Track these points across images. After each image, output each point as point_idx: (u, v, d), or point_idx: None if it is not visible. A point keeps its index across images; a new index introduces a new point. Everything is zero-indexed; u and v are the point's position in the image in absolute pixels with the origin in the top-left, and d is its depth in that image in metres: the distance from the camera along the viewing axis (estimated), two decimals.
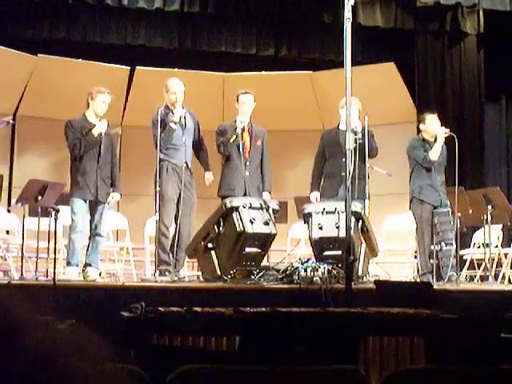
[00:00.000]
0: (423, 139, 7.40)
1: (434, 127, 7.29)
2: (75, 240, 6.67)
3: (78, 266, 6.73)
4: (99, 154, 6.81)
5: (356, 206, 6.19)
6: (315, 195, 7.29)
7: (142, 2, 8.82)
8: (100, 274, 6.90)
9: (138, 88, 9.85)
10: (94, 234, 6.82)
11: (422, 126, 7.45)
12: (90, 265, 6.71)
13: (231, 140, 7.00)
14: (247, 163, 7.12)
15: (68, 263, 6.70)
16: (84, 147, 6.73)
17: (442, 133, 7.17)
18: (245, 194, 6.94)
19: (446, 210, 7.20)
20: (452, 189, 7.22)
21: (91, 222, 6.83)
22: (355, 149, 6.35)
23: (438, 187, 7.22)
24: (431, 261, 7.27)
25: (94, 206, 6.79)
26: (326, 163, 7.32)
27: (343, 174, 6.93)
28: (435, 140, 7.24)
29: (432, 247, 7.28)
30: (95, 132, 6.77)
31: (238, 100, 7.25)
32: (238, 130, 7.01)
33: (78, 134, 6.76)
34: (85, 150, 6.74)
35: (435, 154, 7.19)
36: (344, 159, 6.93)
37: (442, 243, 7.13)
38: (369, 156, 7.04)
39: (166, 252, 6.78)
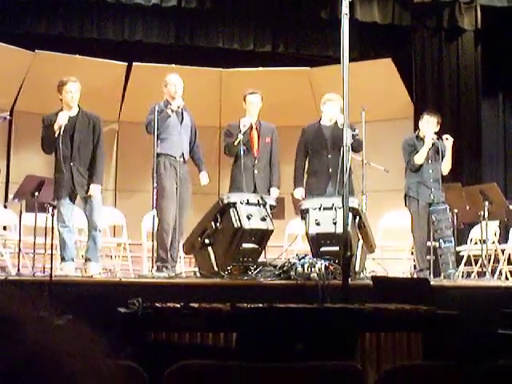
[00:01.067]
0: (417, 136, 7.39)
1: (425, 130, 7.28)
2: (64, 234, 6.62)
3: (73, 260, 6.71)
4: (72, 148, 6.67)
5: (353, 202, 6.19)
6: (300, 191, 7.29)
7: None
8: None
9: (135, 84, 9.83)
10: (88, 229, 6.80)
11: (419, 123, 7.45)
12: (90, 259, 6.70)
13: (235, 143, 7.00)
14: (256, 161, 7.13)
15: (62, 258, 6.68)
16: (44, 142, 6.71)
17: (429, 141, 7.16)
18: (254, 192, 6.93)
19: (444, 207, 7.19)
20: (448, 185, 7.22)
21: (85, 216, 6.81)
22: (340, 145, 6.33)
23: (429, 184, 7.20)
24: (428, 257, 7.28)
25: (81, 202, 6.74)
26: (310, 159, 7.32)
27: (330, 170, 6.97)
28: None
29: (429, 243, 7.29)
30: (55, 126, 6.64)
31: (245, 100, 7.24)
32: (241, 134, 6.99)
33: (45, 130, 6.73)
34: (47, 145, 6.71)
35: (420, 158, 7.18)
36: (330, 156, 7.04)
37: (441, 241, 7.13)
38: (354, 151, 7.01)
39: (165, 249, 6.75)
